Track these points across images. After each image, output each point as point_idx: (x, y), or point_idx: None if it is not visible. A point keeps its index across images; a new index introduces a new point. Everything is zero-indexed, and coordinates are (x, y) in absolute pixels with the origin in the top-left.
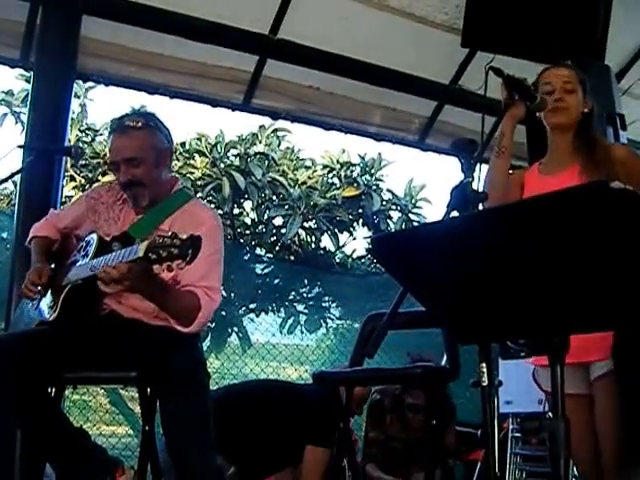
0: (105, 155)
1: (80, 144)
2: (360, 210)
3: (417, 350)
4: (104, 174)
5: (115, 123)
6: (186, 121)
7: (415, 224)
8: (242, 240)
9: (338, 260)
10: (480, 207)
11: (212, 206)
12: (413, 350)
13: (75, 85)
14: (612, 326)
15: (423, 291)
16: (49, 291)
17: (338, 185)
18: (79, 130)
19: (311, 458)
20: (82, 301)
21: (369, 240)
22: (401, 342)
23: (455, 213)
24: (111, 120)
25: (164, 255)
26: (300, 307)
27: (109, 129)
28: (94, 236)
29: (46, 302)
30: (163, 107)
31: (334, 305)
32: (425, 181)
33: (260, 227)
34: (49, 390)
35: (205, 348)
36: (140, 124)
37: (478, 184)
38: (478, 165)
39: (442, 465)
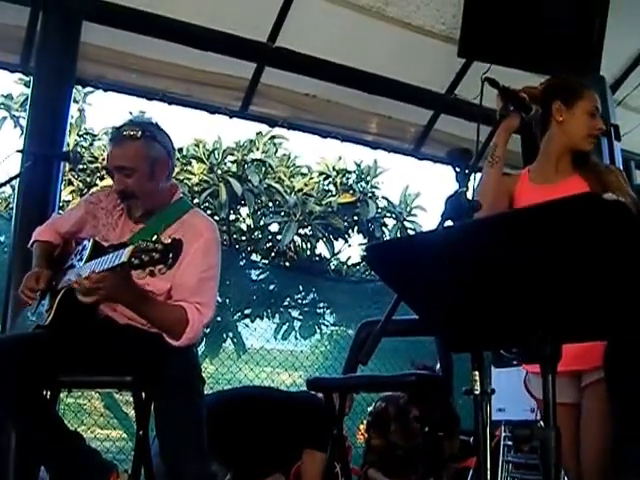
0: (103, 160)
1: (78, 149)
2: (355, 217)
3: (419, 359)
4: (102, 178)
5: (114, 132)
6: (184, 127)
7: (410, 232)
8: (238, 246)
9: (333, 267)
10: (474, 216)
11: (209, 212)
12: (417, 359)
13: (74, 90)
14: (604, 335)
15: (417, 299)
16: (48, 295)
17: (334, 192)
18: (77, 135)
19: (310, 462)
20: (76, 305)
21: (364, 248)
22: (395, 348)
23: (449, 222)
24: (112, 128)
25: (146, 260)
26: (295, 313)
27: (109, 136)
28: (89, 240)
29: (44, 306)
30: (161, 113)
31: (328, 311)
32: (420, 189)
33: (256, 233)
34: (44, 393)
35: (200, 353)
36: (138, 134)
37: (473, 194)
38: (473, 175)
39: (437, 473)
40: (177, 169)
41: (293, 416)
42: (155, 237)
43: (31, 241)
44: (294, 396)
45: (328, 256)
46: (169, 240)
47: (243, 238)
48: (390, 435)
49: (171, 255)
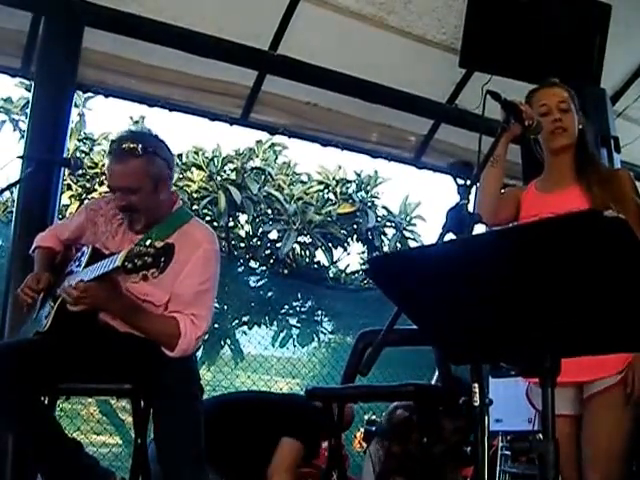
0: (103, 165)
1: (78, 153)
2: (355, 226)
3: (417, 368)
4: (101, 184)
5: (114, 145)
6: (184, 134)
7: (409, 241)
8: (236, 253)
9: (331, 275)
10: (476, 228)
11: (208, 219)
12: (415, 368)
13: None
14: (604, 350)
15: (417, 312)
16: (48, 301)
17: (334, 201)
18: (77, 139)
19: (286, 449)
20: (74, 312)
21: (366, 260)
22: (392, 358)
23: (450, 235)
24: (111, 140)
25: (139, 264)
26: (293, 320)
27: (109, 148)
28: (88, 247)
29: (44, 312)
30: (162, 119)
31: (326, 319)
32: (420, 198)
33: (255, 240)
34: (42, 399)
35: (197, 360)
36: (139, 150)
37: (474, 206)
38: (474, 187)
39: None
40: (177, 176)
41: (284, 417)
42: (149, 242)
43: (32, 247)
44: (287, 398)
45: (327, 264)
46: (161, 244)
47: (242, 245)
48: (411, 444)
49: (163, 259)
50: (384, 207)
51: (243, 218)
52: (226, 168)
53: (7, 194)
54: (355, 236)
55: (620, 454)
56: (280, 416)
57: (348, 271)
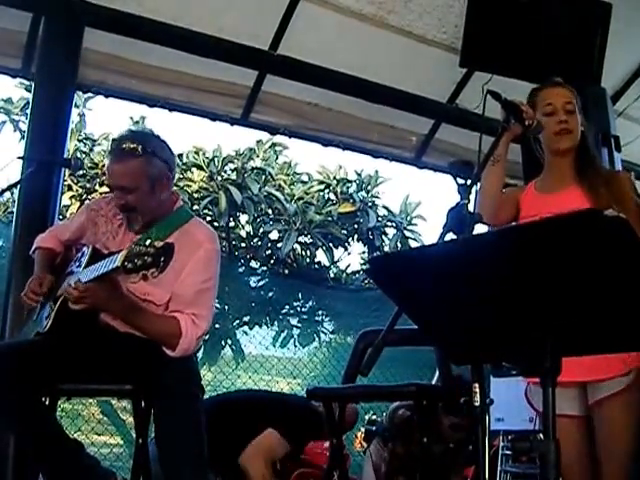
0: (103, 166)
1: (78, 154)
2: (355, 226)
3: (417, 368)
4: (101, 184)
5: (114, 144)
6: (184, 134)
7: (410, 241)
8: (237, 253)
9: (332, 275)
10: (477, 228)
11: (208, 219)
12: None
13: (75, 95)
14: (604, 349)
15: (417, 312)
16: (49, 302)
17: (334, 201)
18: (77, 140)
19: (266, 438)
20: (75, 312)
21: (367, 260)
22: (393, 357)
23: (451, 234)
24: (112, 139)
25: (139, 264)
26: (293, 321)
27: (109, 147)
28: (89, 247)
29: (44, 313)
30: (162, 119)
31: (327, 319)
32: (421, 198)
33: (255, 240)
34: (43, 400)
35: (198, 360)
36: (138, 150)
37: (474, 206)
38: (474, 187)
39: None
40: (177, 175)
41: (273, 414)
42: (149, 241)
43: (33, 248)
44: (285, 398)
45: (327, 264)
46: (161, 244)
47: (242, 245)
48: (413, 444)
49: (163, 258)
50: (385, 207)
51: (244, 218)
52: (226, 168)
53: (8, 195)
54: (356, 236)
55: (635, 454)
56: (270, 413)
57: (349, 271)
